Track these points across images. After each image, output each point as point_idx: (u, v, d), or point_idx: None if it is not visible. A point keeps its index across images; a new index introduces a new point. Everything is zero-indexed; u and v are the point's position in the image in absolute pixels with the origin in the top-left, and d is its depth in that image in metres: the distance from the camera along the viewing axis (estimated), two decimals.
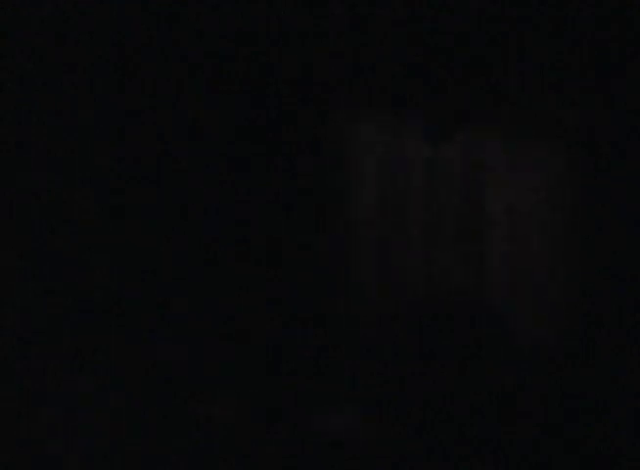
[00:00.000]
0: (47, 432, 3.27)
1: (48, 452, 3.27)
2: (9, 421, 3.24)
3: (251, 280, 3.46)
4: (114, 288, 3.40)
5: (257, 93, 3.50)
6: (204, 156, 3.48)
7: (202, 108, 3.48)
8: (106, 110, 3.43)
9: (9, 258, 3.27)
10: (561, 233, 3.53)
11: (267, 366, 3.44)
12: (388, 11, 3.52)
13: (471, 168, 3.53)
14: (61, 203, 3.34)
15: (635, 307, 3.46)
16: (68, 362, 3.32)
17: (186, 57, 3.48)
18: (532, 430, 3.42)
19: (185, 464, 3.36)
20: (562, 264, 3.52)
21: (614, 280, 3.48)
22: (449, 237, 3.52)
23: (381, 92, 3.53)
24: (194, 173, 3.47)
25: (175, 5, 3.48)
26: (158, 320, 3.42)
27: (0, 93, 3.31)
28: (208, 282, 3.45)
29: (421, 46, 3.52)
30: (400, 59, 3.52)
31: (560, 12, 3.52)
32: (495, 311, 3.48)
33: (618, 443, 3.41)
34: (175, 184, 3.46)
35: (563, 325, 3.50)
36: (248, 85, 3.50)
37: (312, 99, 3.51)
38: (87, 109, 3.41)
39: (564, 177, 3.54)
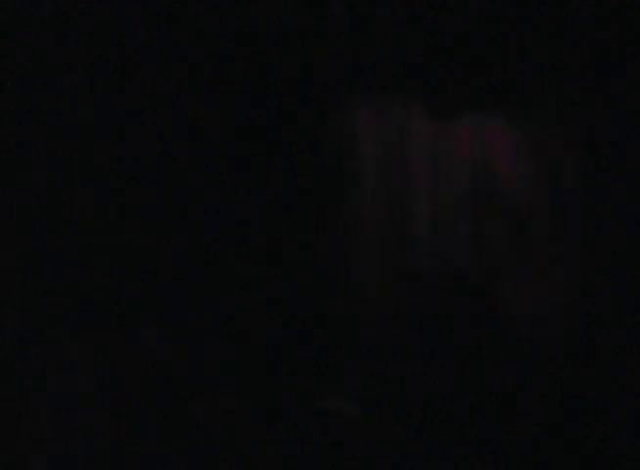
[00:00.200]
0: (46, 432, 3.27)
1: (47, 452, 3.27)
2: (9, 421, 3.24)
3: (252, 280, 3.46)
4: (113, 288, 3.40)
5: (257, 93, 3.50)
6: (204, 156, 3.48)
7: (202, 108, 3.48)
8: (106, 110, 3.43)
9: (9, 259, 3.27)
10: (560, 233, 3.53)
11: (267, 366, 3.44)
12: (387, 11, 3.52)
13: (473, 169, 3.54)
14: (61, 203, 3.34)
15: (635, 307, 3.46)
16: (67, 362, 3.32)
17: (186, 57, 3.48)
18: (532, 430, 3.42)
19: (185, 464, 3.36)
20: (561, 264, 3.52)
21: (614, 280, 3.48)
22: (454, 235, 3.52)
23: (381, 92, 3.53)
24: (194, 173, 3.47)
25: (175, 5, 3.48)
26: (158, 320, 3.42)
27: (0, 93, 3.31)
28: (208, 282, 3.45)
29: (421, 46, 3.51)
30: (400, 59, 3.52)
31: (560, 12, 3.52)
32: (495, 310, 3.48)
33: (618, 443, 3.41)
34: (175, 184, 3.46)
35: (563, 325, 3.50)
36: (248, 85, 3.50)
37: (312, 99, 3.51)
38: (87, 109, 3.41)
39: (563, 177, 3.54)
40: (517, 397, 3.44)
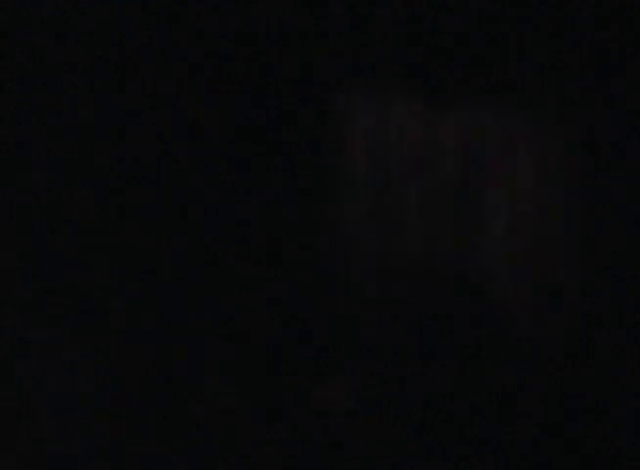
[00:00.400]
0: (46, 431, 3.27)
1: (47, 452, 3.27)
2: (9, 421, 3.24)
3: (252, 280, 3.46)
4: (113, 288, 3.40)
5: (257, 93, 3.50)
6: (204, 156, 3.48)
7: (202, 108, 3.48)
8: (106, 110, 3.43)
9: (9, 259, 3.27)
10: (560, 233, 3.53)
11: (267, 366, 3.44)
12: (387, 11, 3.52)
13: (470, 171, 3.54)
14: (61, 203, 3.34)
15: (635, 307, 3.46)
16: (67, 362, 3.32)
17: (186, 57, 3.48)
18: (532, 430, 3.42)
19: (185, 464, 3.37)
20: (561, 264, 3.52)
21: (614, 280, 3.48)
22: (451, 233, 3.52)
23: (380, 92, 3.53)
24: (194, 173, 3.47)
25: (175, 5, 3.48)
26: (158, 320, 3.42)
27: (0, 93, 3.31)
28: (208, 282, 3.45)
29: (421, 46, 3.52)
30: (400, 58, 3.52)
31: (560, 12, 3.52)
32: (495, 310, 3.48)
33: (618, 443, 3.41)
34: (175, 184, 3.46)
35: (563, 325, 3.50)
36: (248, 85, 3.50)
37: (312, 99, 3.51)
38: (87, 109, 3.41)
39: (563, 177, 3.54)
40: (517, 397, 3.44)
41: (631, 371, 3.44)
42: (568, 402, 3.43)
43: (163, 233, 3.44)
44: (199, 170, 3.48)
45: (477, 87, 3.52)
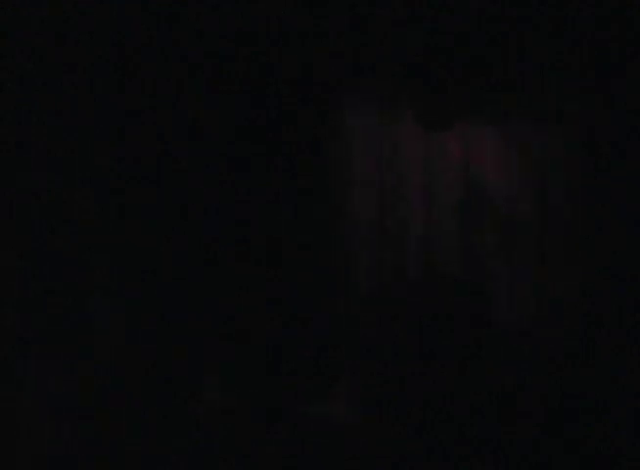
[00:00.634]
0: (45, 431, 3.27)
1: (47, 452, 3.27)
2: (9, 421, 3.24)
3: (252, 280, 3.46)
4: (113, 287, 3.39)
5: (257, 93, 3.50)
6: (204, 156, 3.48)
7: (202, 108, 3.48)
8: (106, 110, 3.43)
9: (9, 259, 3.27)
10: (560, 233, 3.53)
11: (267, 366, 3.44)
12: (387, 11, 3.52)
13: (469, 165, 3.54)
14: (61, 203, 3.34)
15: (635, 307, 3.46)
16: (66, 362, 3.32)
17: (186, 57, 3.48)
18: (532, 430, 3.42)
19: (185, 464, 3.36)
20: (561, 264, 3.52)
21: (614, 280, 3.48)
22: (452, 234, 3.52)
23: (380, 91, 3.53)
24: (194, 173, 3.47)
25: (175, 5, 3.48)
26: (157, 320, 3.42)
27: (0, 93, 3.31)
28: (208, 282, 3.45)
29: (421, 46, 3.51)
30: (400, 58, 3.52)
31: (560, 12, 3.52)
32: (494, 309, 3.48)
33: (618, 443, 3.41)
34: (175, 184, 3.46)
35: (563, 324, 3.50)
36: (248, 85, 3.50)
37: (312, 99, 3.51)
38: (87, 109, 3.41)
39: (563, 177, 3.54)
40: (517, 397, 3.44)
41: (631, 371, 3.44)
42: (568, 402, 3.43)
43: (163, 233, 3.44)
44: (199, 170, 3.47)
45: (477, 87, 3.52)
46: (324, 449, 3.38)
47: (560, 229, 3.52)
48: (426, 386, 3.44)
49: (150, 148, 3.45)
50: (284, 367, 3.44)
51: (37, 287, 3.28)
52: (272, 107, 3.50)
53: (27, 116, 3.32)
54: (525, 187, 3.53)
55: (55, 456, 3.27)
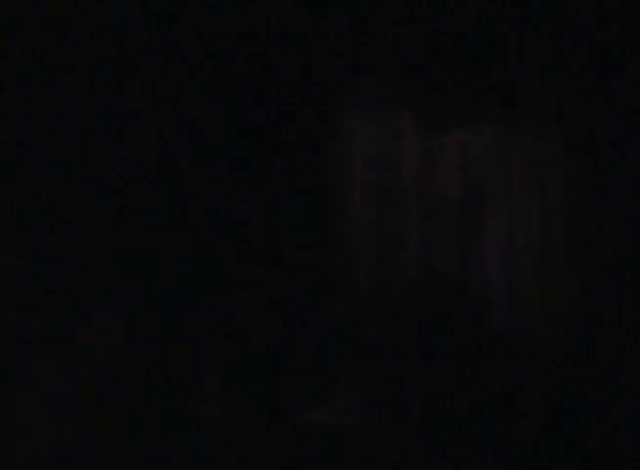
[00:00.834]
0: (45, 431, 3.27)
1: (47, 452, 3.27)
2: (9, 421, 3.24)
3: (252, 280, 3.46)
4: (113, 287, 3.40)
5: (257, 93, 3.50)
6: (204, 156, 3.48)
7: (202, 108, 3.48)
8: (106, 110, 3.43)
9: (9, 259, 3.27)
10: (560, 233, 3.53)
11: (267, 366, 3.44)
12: (387, 11, 3.52)
13: (469, 168, 3.54)
14: (61, 203, 3.34)
15: (635, 307, 3.46)
16: (67, 362, 3.32)
17: (186, 57, 3.48)
18: (532, 430, 3.42)
19: (185, 464, 3.36)
20: (561, 264, 3.52)
21: (614, 280, 3.48)
22: (449, 235, 3.52)
23: (380, 91, 3.53)
24: (194, 173, 3.47)
25: (175, 5, 3.48)
26: (158, 320, 3.42)
27: (0, 93, 3.31)
28: (208, 282, 3.45)
29: (421, 46, 3.52)
30: (400, 58, 3.52)
31: (560, 12, 3.52)
32: (493, 309, 3.48)
33: (618, 443, 3.41)
34: (175, 184, 3.46)
35: (563, 325, 3.50)
36: (248, 85, 3.50)
37: (312, 99, 3.51)
38: (87, 109, 3.41)
39: (563, 177, 3.54)
40: (517, 397, 3.44)
41: (631, 371, 3.44)
42: (568, 402, 3.43)
43: (163, 233, 3.44)
44: (199, 170, 3.48)
45: (477, 87, 3.52)
46: (324, 449, 3.38)
47: (560, 229, 3.52)
48: (426, 386, 3.44)
49: (150, 148, 3.45)
50: (284, 367, 3.45)
51: (37, 287, 3.28)
52: (272, 107, 3.50)
53: (27, 116, 3.32)
54: (525, 187, 3.53)
55: (55, 456, 3.28)
